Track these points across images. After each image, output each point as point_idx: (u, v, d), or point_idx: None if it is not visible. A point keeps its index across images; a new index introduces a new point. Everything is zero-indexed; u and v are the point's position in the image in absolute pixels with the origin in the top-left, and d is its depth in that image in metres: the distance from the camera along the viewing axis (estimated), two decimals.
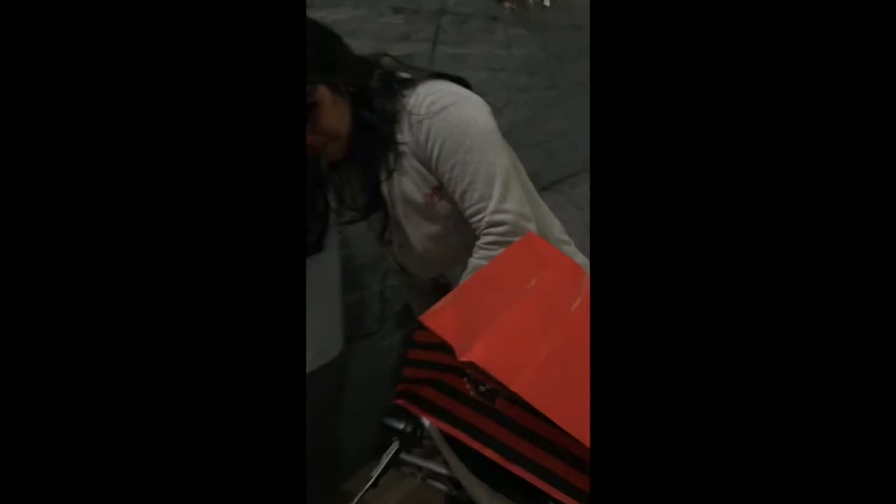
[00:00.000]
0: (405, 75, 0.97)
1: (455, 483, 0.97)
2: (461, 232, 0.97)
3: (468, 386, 0.59)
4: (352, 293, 1.46)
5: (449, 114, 0.90)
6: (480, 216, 0.92)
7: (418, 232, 1.02)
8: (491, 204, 0.91)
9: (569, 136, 2.39)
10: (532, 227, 0.93)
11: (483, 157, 0.90)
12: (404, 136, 0.94)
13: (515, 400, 0.53)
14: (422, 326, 0.56)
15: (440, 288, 1.15)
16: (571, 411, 0.51)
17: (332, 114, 0.90)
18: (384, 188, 0.99)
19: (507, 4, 1.86)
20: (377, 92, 0.95)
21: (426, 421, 0.67)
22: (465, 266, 0.98)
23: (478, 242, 0.94)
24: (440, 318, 0.56)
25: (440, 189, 0.95)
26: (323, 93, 0.88)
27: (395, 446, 0.67)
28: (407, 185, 0.97)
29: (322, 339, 1.26)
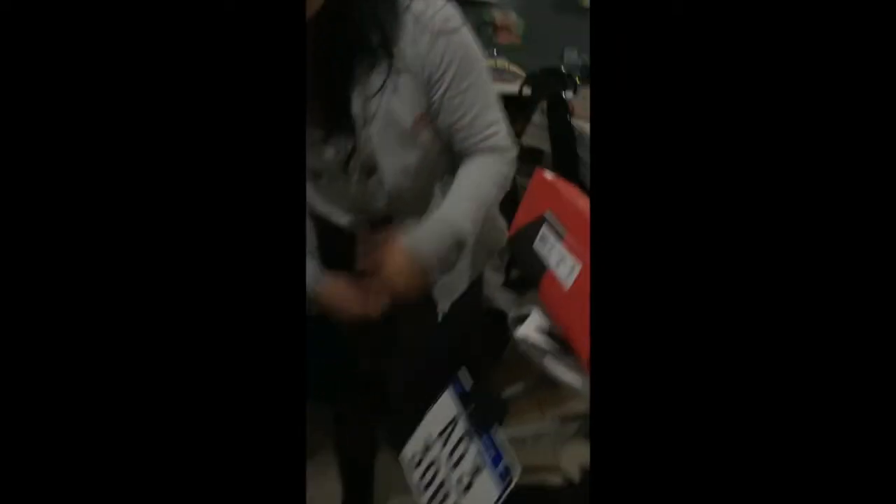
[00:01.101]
0: None
1: None
2: (438, 167, 0.91)
3: None
4: None
5: (463, 34, 0.82)
6: (491, 138, 0.87)
7: (396, 163, 0.86)
8: (504, 127, 0.88)
9: None
10: None
11: (489, 83, 0.87)
12: (405, 46, 0.79)
13: None
14: None
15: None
16: None
17: None
18: (358, 106, 0.81)
19: None
20: None
21: None
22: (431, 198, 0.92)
23: (471, 156, 0.88)
24: None
25: (428, 115, 0.84)
26: None
27: None
28: (395, 104, 0.81)
29: None
